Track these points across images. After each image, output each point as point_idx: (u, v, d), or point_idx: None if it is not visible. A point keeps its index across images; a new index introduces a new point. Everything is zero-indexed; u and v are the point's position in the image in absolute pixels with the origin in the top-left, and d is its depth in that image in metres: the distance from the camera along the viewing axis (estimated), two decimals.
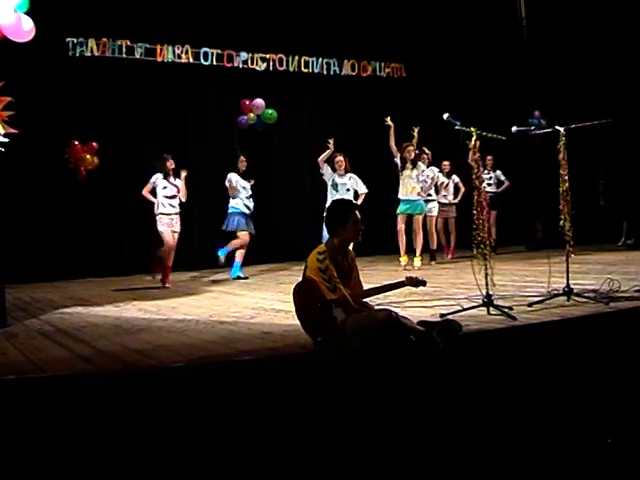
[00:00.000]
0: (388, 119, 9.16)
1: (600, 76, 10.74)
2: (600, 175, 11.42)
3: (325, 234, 5.47)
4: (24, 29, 5.48)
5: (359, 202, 8.42)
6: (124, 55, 9.83)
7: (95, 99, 9.57)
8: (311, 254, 4.02)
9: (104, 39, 9.68)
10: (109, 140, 9.73)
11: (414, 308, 5.25)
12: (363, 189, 8.98)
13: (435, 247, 9.82)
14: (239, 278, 8.54)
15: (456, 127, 5.03)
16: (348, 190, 8.86)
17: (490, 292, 4.76)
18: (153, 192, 8.18)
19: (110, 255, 9.87)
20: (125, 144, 9.93)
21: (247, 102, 10.48)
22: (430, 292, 6.00)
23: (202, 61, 10.42)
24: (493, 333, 4.21)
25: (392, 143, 9.18)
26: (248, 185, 8.83)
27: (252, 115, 10.50)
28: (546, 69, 11.16)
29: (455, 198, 10.53)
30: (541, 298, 5.13)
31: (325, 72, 11.36)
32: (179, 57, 10.26)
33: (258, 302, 6.20)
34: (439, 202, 10.14)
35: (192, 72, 10.43)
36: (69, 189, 9.31)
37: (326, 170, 8.98)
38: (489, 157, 10.32)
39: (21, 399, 3.21)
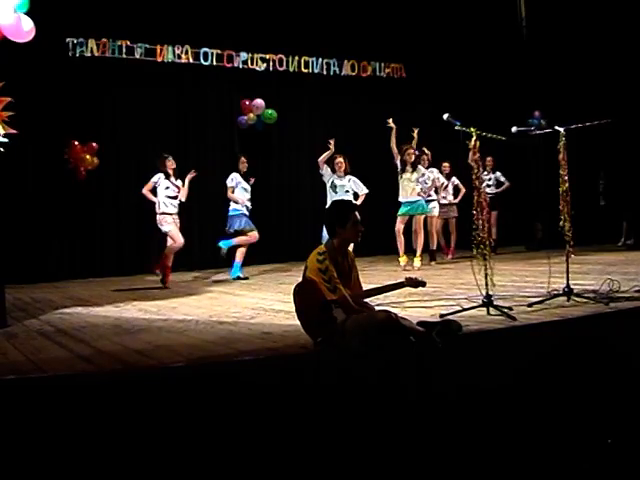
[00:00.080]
0: (390, 121, 9.16)
1: (600, 76, 10.73)
2: (600, 175, 11.41)
3: (325, 235, 5.47)
4: (24, 29, 5.48)
5: (359, 202, 8.43)
6: (124, 55, 9.84)
7: (95, 99, 9.57)
8: (311, 255, 4.02)
9: (104, 39, 9.69)
10: (109, 140, 9.74)
11: (414, 308, 5.25)
12: (364, 190, 8.98)
13: (435, 247, 9.82)
14: (239, 278, 8.54)
15: (456, 127, 5.02)
16: (347, 192, 8.85)
17: (490, 292, 4.76)
18: (154, 192, 8.20)
19: (110, 255, 9.87)
20: (125, 144, 9.94)
21: (247, 102, 10.49)
22: (430, 292, 5.99)
23: (202, 61, 10.42)
24: (493, 333, 4.21)
25: (393, 144, 9.18)
26: (249, 187, 8.84)
27: (252, 115, 10.50)
28: (546, 69, 11.17)
29: (455, 198, 10.53)
30: (541, 298, 5.12)
31: (325, 72, 11.37)
32: (179, 57, 10.27)
33: (258, 302, 6.20)
34: (439, 203, 10.13)
35: (192, 72, 10.43)
36: (69, 189, 9.32)
37: (326, 171, 8.98)
38: (489, 158, 10.32)
39: (21, 399, 3.21)
